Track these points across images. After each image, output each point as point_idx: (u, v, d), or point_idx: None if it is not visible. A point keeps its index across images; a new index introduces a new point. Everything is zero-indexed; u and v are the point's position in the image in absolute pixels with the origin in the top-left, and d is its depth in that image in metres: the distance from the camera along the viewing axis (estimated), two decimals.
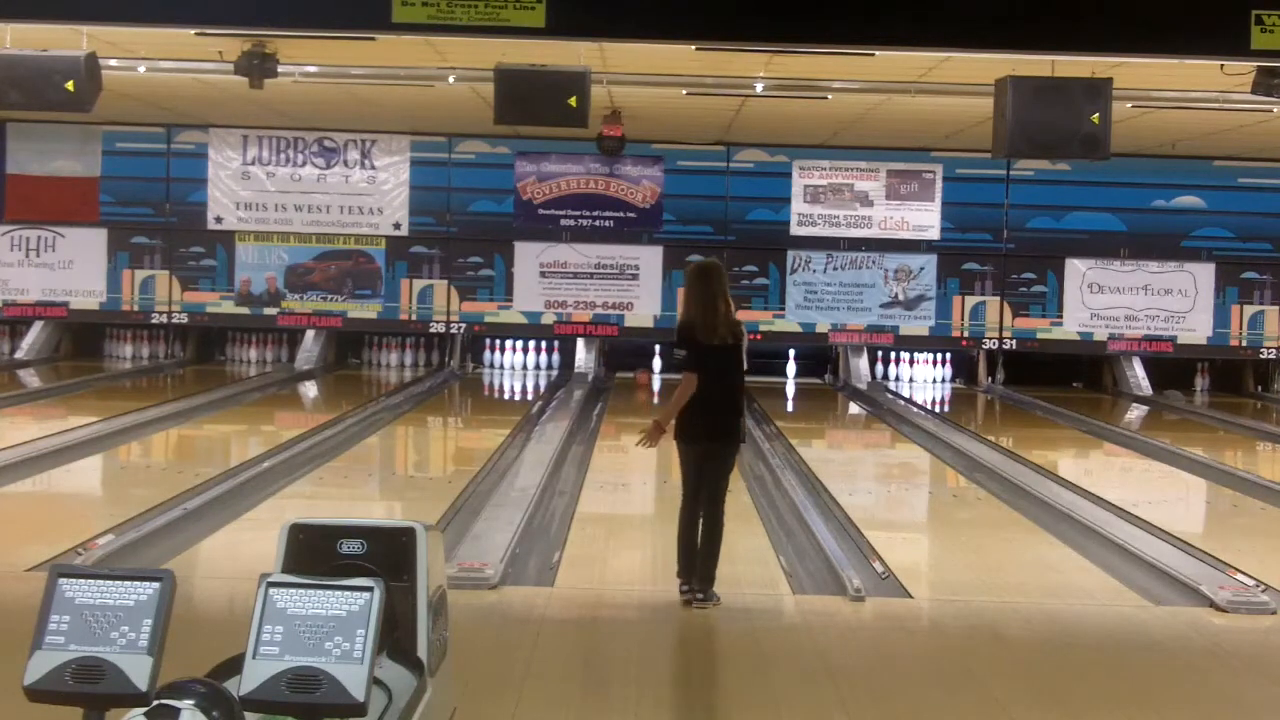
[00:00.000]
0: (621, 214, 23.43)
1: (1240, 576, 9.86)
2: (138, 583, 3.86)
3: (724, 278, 9.55)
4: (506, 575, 9.52)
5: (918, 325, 23.58)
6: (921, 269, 23.50)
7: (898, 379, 24.02)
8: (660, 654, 7.93)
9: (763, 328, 23.38)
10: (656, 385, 23.22)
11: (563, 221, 23.41)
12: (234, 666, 4.71)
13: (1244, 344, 23.50)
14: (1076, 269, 23.44)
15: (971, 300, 23.56)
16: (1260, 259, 23.39)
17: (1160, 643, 8.52)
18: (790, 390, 23.60)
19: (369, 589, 4.52)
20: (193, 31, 12.45)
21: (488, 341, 24.05)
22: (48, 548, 9.65)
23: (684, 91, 17.27)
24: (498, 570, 9.44)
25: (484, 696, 6.72)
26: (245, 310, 23.51)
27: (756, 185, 23.42)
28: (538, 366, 23.98)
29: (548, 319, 23.43)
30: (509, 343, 24.06)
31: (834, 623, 8.70)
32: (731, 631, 8.35)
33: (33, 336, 23.43)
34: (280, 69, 14.75)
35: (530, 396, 21.77)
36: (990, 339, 23.59)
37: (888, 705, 7.12)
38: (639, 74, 16.33)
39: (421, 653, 5.23)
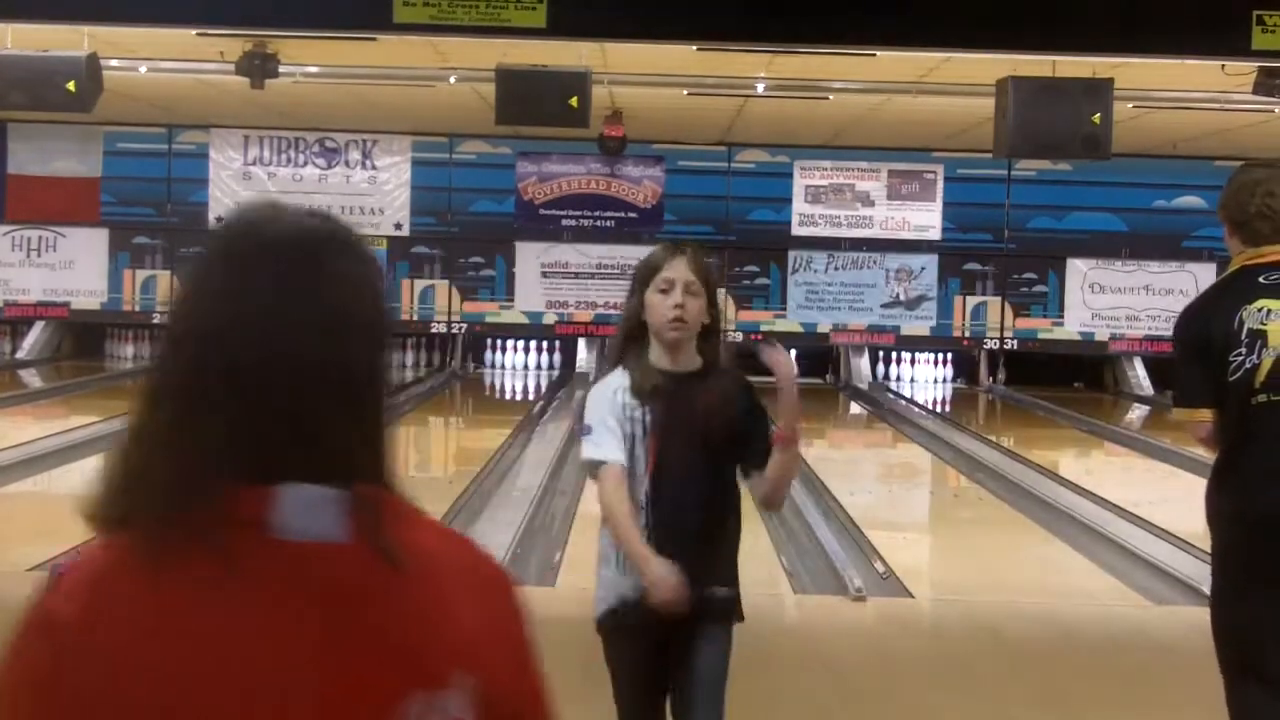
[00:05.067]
0: (623, 214, 23.41)
1: None
2: None
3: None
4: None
5: (919, 325, 23.57)
6: (923, 269, 23.49)
7: (899, 379, 24.00)
8: None
9: (764, 328, 23.37)
10: None
11: (564, 222, 23.39)
12: None
13: None
14: (1078, 269, 23.43)
15: (973, 300, 23.55)
16: None
17: (1161, 643, 8.52)
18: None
19: None
20: (194, 32, 12.46)
21: (489, 342, 24.03)
22: (48, 548, 9.64)
23: (685, 92, 17.28)
24: None
25: None
26: None
27: (758, 185, 23.40)
28: (539, 367, 23.95)
29: (549, 319, 23.41)
30: (510, 343, 24.05)
31: (835, 622, 8.70)
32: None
33: (34, 336, 23.42)
34: (281, 69, 14.76)
35: (531, 397, 21.77)
36: (991, 339, 23.57)
37: (888, 705, 7.13)
38: (640, 74, 16.33)
39: None
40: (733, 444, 4.69)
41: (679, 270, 4.64)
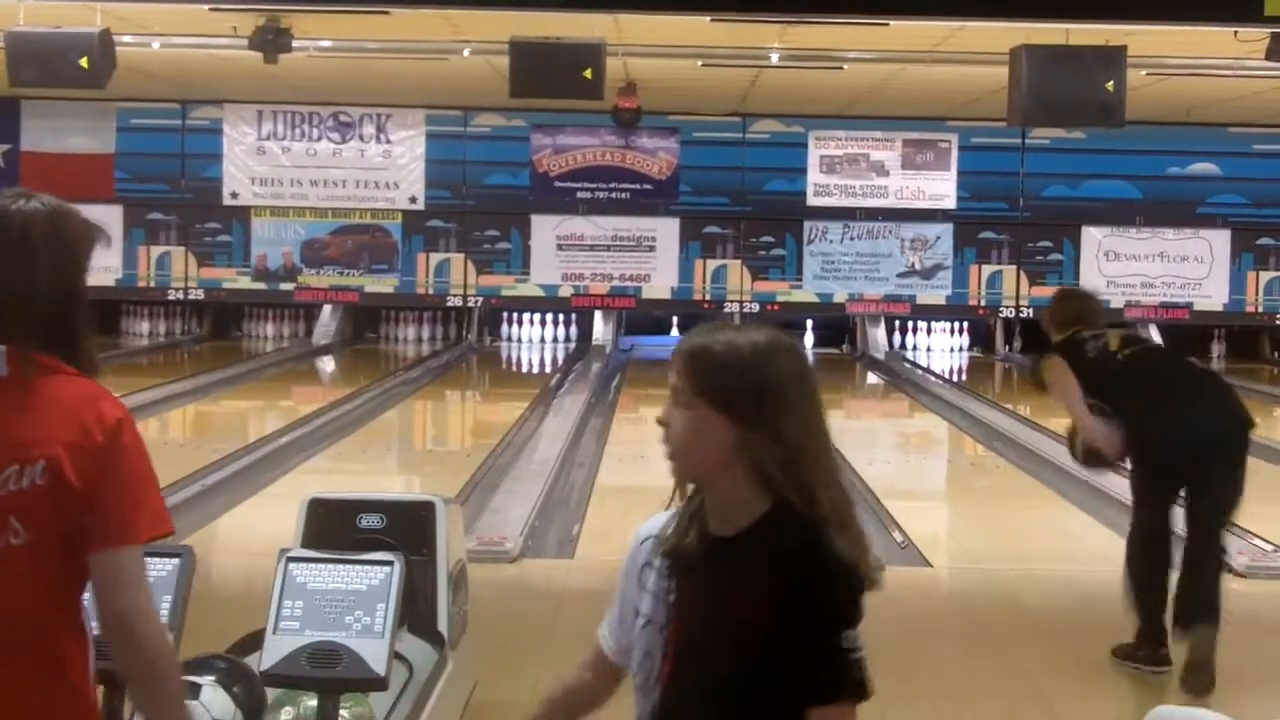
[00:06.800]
0: (638, 186, 23.38)
1: (1257, 541, 9.87)
2: (157, 559, 3.87)
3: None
4: (526, 548, 9.54)
5: (934, 294, 23.53)
6: (938, 238, 23.45)
7: (915, 348, 23.98)
8: None
9: (780, 298, 23.35)
10: None
11: (579, 194, 23.36)
12: (255, 642, 4.73)
13: (1260, 310, 23.44)
14: (1092, 237, 23.37)
15: (988, 269, 23.50)
16: (1276, 225, 23.31)
17: None
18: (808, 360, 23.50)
19: (389, 563, 4.55)
20: (206, 7, 12.45)
21: (505, 315, 24.05)
22: None
23: (699, 63, 17.24)
24: (517, 543, 9.47)
25: (504, 670, 6.74)
26: (262, 286, 23.51)
27: (773, 156, 23.35)
28: (555, 339, 23.97)
29: (565, 292, 23.39)
30: (526, 316, 24.06)
31: None
32: None
33: None
34: (295, 44, 14.76)
35: (548, 369, 21.80)
36: (1007, 307, 23.53)
37: (908, 673, 7.14)
38: (654, 45, 16.28)
39: (442, 626, 5.25)
40: (753, 661, 2.89)
41: (670, 372, 2.93)
